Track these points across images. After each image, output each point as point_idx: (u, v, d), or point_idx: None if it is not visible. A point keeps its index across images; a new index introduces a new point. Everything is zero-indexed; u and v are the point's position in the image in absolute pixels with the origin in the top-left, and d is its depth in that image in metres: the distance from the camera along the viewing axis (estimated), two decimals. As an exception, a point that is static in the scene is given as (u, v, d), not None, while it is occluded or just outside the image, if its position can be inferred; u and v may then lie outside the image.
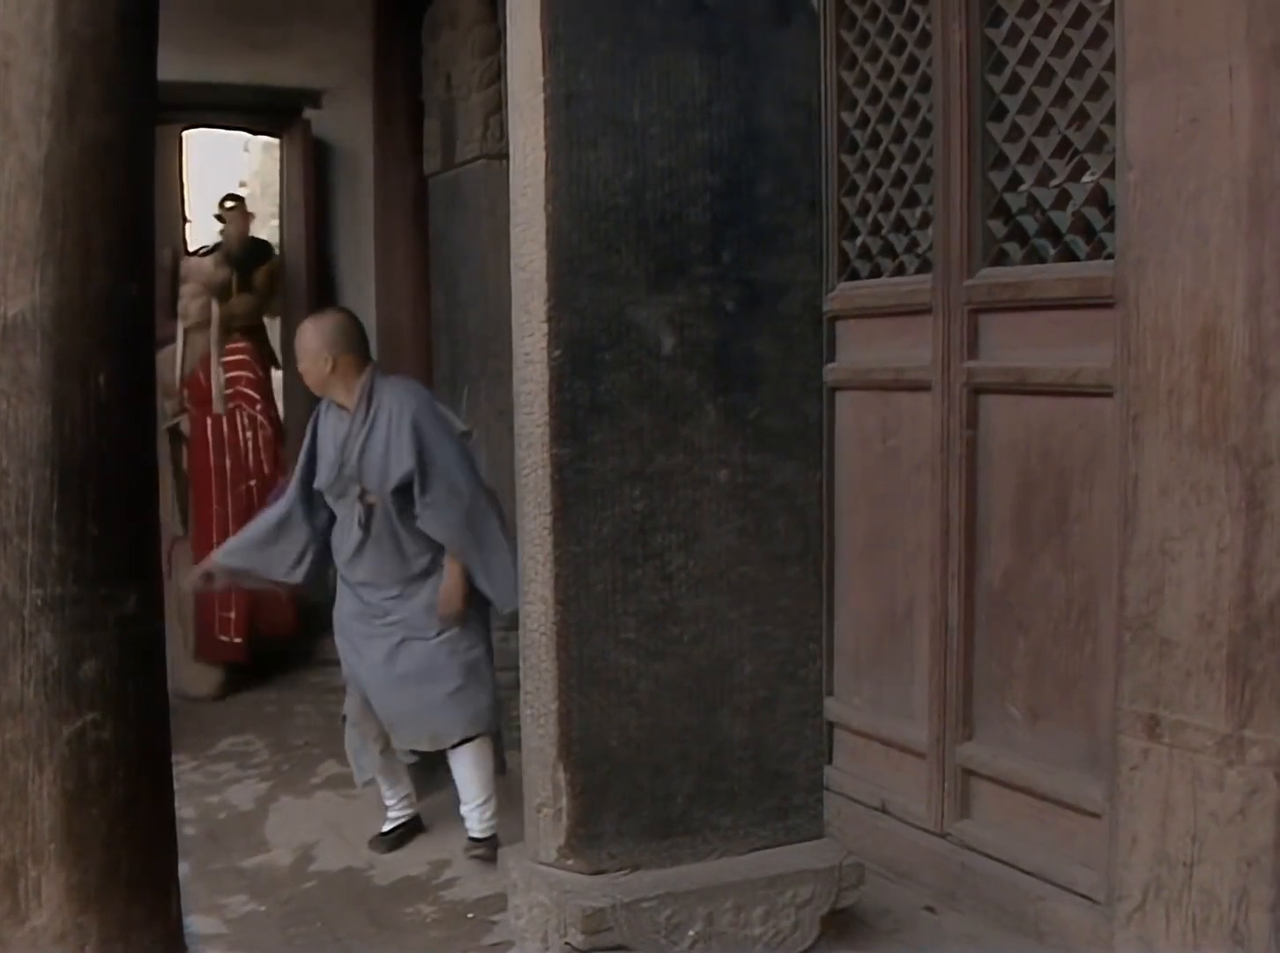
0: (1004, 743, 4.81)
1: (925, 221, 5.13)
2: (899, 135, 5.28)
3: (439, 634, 5.44)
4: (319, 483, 5.58)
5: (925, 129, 5.12)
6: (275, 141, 10.47)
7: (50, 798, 3.00)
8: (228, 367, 8.26)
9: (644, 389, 4.27)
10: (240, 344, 8.45)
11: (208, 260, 9.13)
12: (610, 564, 4.22)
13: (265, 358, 9.08)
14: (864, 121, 5.45)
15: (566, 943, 4.07)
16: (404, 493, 5.39)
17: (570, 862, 4.20)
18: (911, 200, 5.22)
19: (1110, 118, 4.29)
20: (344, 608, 5.65)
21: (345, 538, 5.56)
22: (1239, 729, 3.68)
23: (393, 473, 5.37)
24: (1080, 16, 4.49)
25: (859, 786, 5.40)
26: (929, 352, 5.02)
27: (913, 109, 5.20)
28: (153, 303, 3.24)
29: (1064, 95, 4.57)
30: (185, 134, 9.73)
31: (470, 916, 5.02)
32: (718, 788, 4.37)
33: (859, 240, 5.48)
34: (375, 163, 9.96)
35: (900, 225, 5.30)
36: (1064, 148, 4.58)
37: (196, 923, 4.56)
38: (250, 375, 8.35)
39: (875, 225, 5.42)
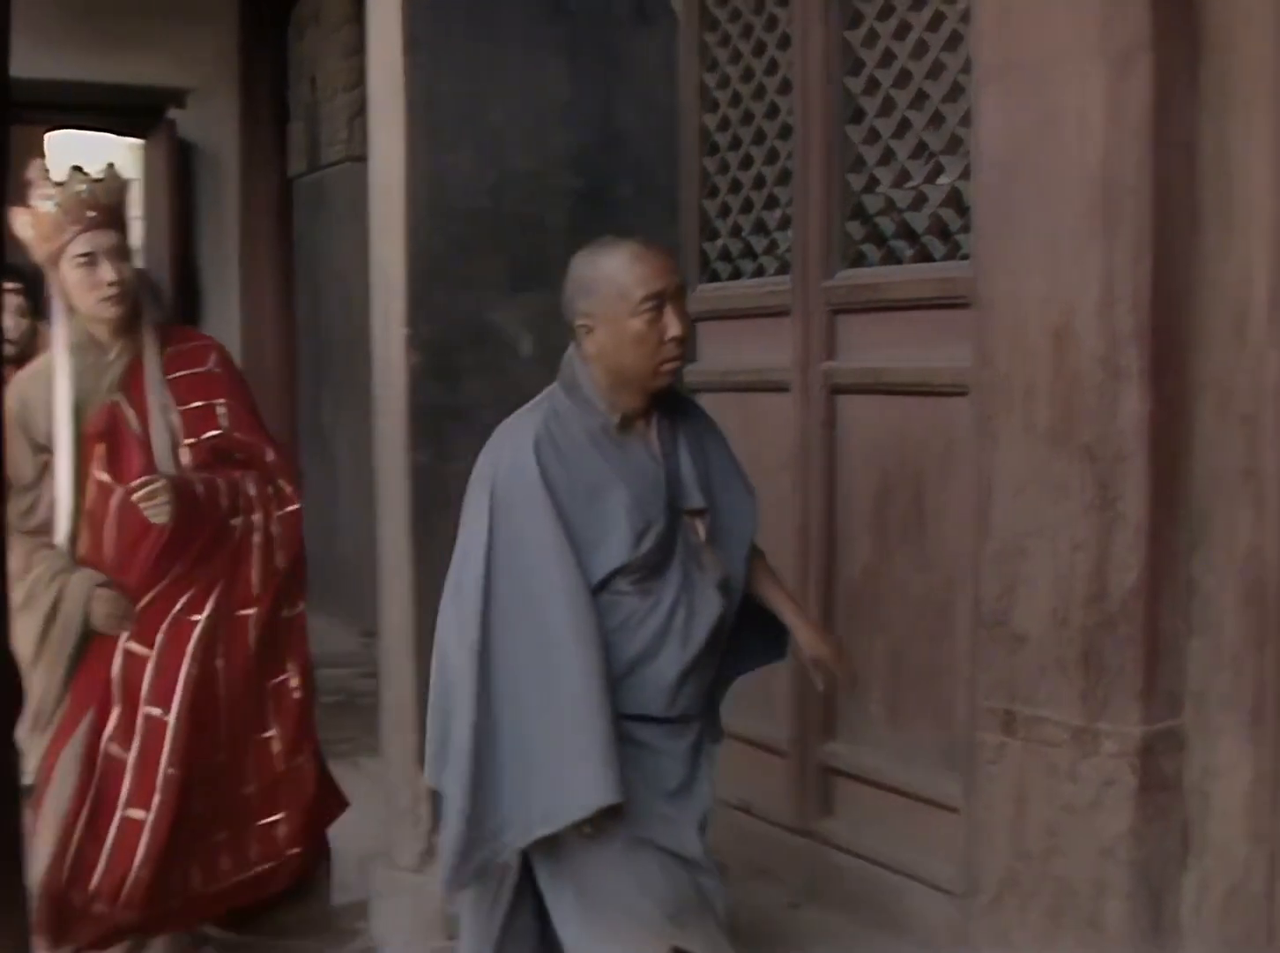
0: (864, 741, 4.84)
1: (785, 223, 5.15)
2: (759, 138, 5.30)
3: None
4: (619, 557, 3.29)
5: (785, 132, 5.14)
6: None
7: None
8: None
9: (503, 393, 4.25)
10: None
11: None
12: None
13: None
14: (725, 124, 5.46)
15: (430, 948, 4.06)
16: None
17: (432, 869, 4.18)
18: (771, 203, 5.24)
19: (966, 120, 4.33)
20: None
21: (670, 640, 3.35)
22: (1093, 723, 3.72)
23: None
24: (937, 20, 4.54)
25: (722, 786, 5.35)
26: (788, 353, 5.05)
27: (773, 112, 5.22)
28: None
29: (921, 98, 4.61)
30: (48, 136, 9.56)
31: (334, 923, 4.97)
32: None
33: (720, 242, 5.49)
34: (240, 165, 9.87)
35: (760, 227, 5.31)
36: (921, 150, 4.62)
37: None
38: None
39: (736, 227, 5.43)
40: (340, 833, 4.88)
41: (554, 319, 4.06)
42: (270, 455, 4.44)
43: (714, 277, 5.52)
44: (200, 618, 4.25)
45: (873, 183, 4.81)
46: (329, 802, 4.66)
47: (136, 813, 4.18)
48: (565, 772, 3.11)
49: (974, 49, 4.17)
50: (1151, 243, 3.63)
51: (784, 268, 5.15)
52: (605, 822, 3.15)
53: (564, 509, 3.19)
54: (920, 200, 4.62)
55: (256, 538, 4.33)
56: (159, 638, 4.23)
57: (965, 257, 4.34)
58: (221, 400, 4.40)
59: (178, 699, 4.21)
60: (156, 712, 4.22)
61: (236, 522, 4.31)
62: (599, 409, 3.33)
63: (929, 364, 4.50)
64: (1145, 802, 3.68)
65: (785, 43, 5.13)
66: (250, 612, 4.33)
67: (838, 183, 4.88)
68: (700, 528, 3.42)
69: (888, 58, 4.73)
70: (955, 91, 4.46)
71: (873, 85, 4.79)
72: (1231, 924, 3.65)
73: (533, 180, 4.38)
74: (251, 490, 4.36)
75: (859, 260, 4.87)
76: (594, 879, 3.25)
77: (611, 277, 3.28)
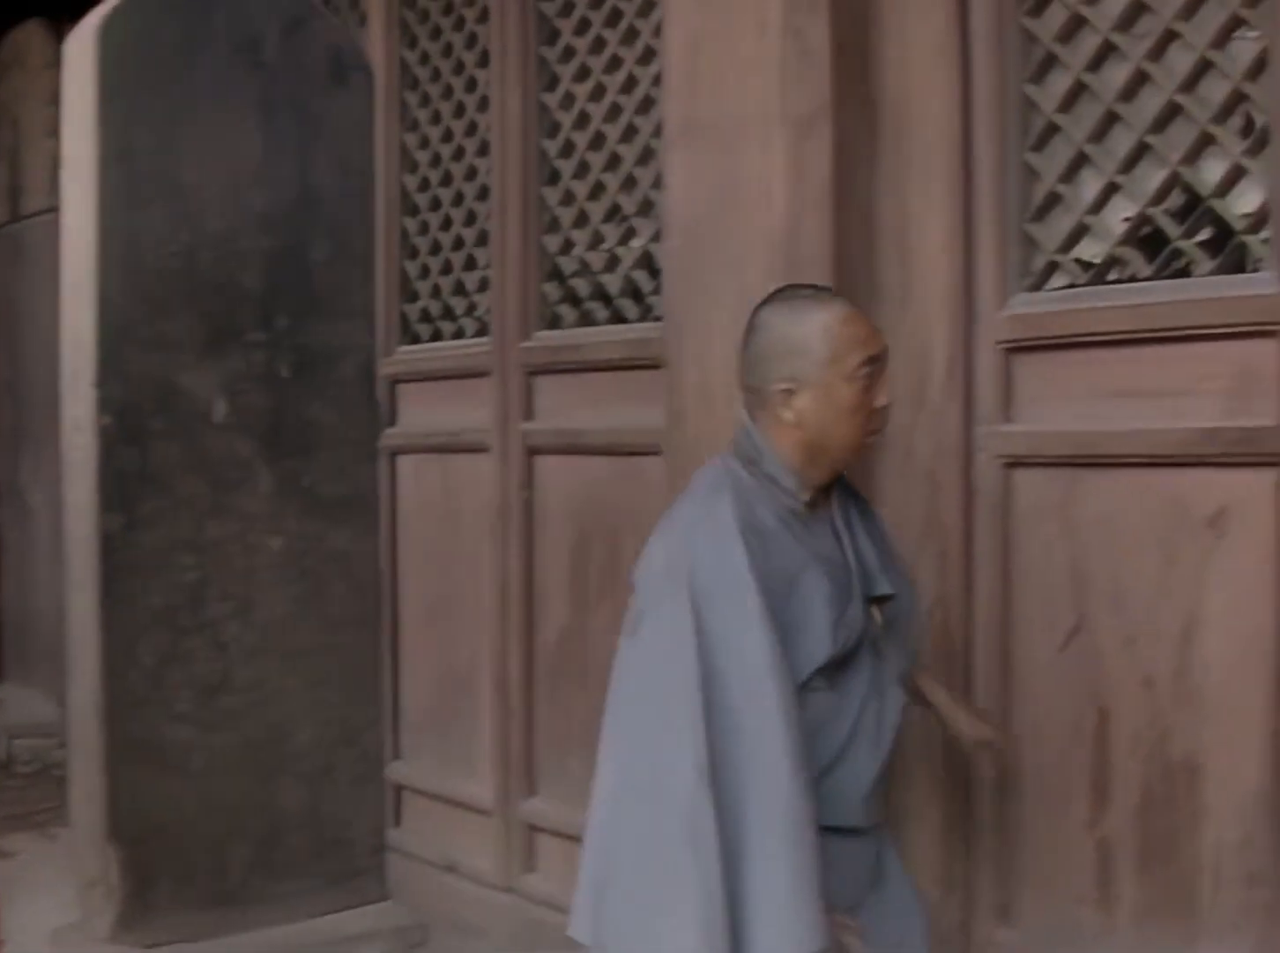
0: (567, 798, 4.83)
1: (483, 286, 5.17)
2: (458, 199, 5.32)
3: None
4: (823, 653, 2.82)
5: (484, 193, 5.17)
6: None
7: None
8: None
9: (196, 457, 4.20)
10: None
11: None
12: (161, 635, 4.13)
13: None
14: (425, 185, 5.47)
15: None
16: None
17: (125, 937, 4.08)
18: (470, 264, 5.26)
19: (658, 184, 4.39)
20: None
21: (862, 740, 2.94)
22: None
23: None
24: (630, 83, 4.62)
25: (427, 846, 5.36)
26: (488, 414, 5.06)
27: (472, 173, 5.25)
28: None
29: (615, 161, 4.68)
30: None
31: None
32: (276, 857, 4.32)
33: (420, 304, 5.49)
34: (-60, 213, 9.55)
35: (460, 289, 5.33)
36: (614, 213, 4.69)
37: None
38: None
39: (435, 289, 5.44)
40: (32, 907, 4.72)
41: (248, 382, 4.01)
42: None
43: (414, 338, 5.51)
44: None
45: (568, 245, 4.86)
46: None
47: None
48: (781, 912, 2.60)
49: (663, 112, 4.23)
50: (833, 307, 3.71)
51: (483, 329, 5.17)
52: None
53: (769, 602, 2.70)
54: (614, 262, 4.68)
55: None
56: None
57: (658, 318, 4.39)
58: None
59: None
60: None
61: None
62: (787, 487, 2.84)
63: (624, 424, 4.55)
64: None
65: (484, 105, 5.17)
66: None
67: (534, 245, 4.93)
68: (878, 616, 2.98)
69: (583, 120, 4.79)
70: (648, 155, 4.54)
71: (568, 148, 4.85)
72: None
73: (226, 240, 4.29)
74: None
75: (555, 322, 4.91)
76: None
77: (824, 336, 2.80)
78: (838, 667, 2.82)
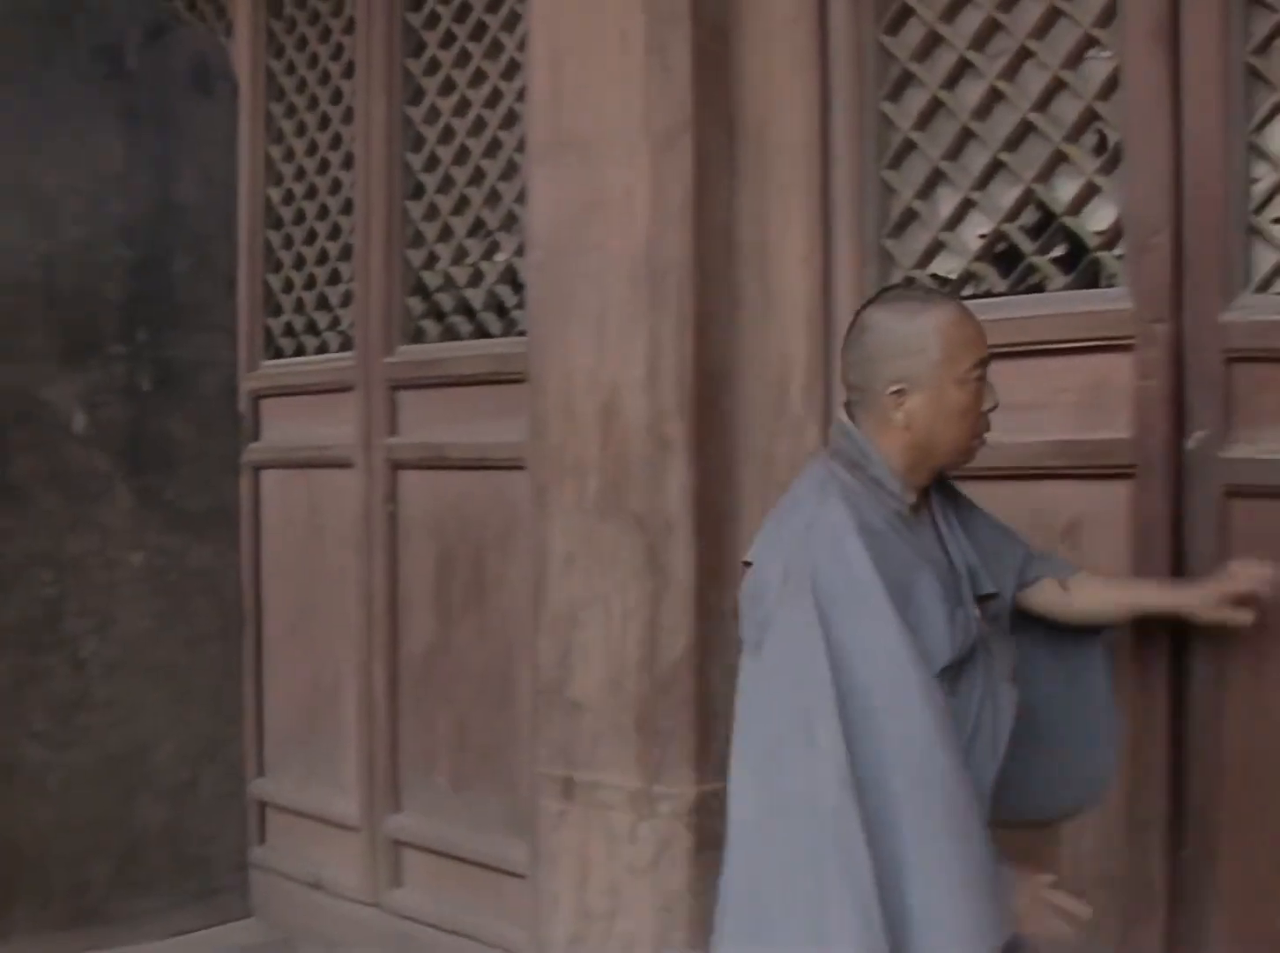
0: (432, 812, 4.82)
1: (347, 299, 5.15)
2: (323, 212, 5.29)
3: None
4: (944, 656, 2.73)
5: (349, 207, 5.14)
6: None
7: None
8: None
9: (54, 470, 4.15)
10: None
11: None
12: (16, 653, 4.06)
13: None
14: (290, 198, 5.43)
15: None
16: None
17: None
18: (334, 278, 5.24)
19: (522, 198, 4.40)
20: None
21: (980, 743, 2.84)
22: (649, 785, 3.79)
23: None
24: (495, 97, 4.62)
25: (293, 863, 5.30)
26: (352, 429, 5.03)
27: (336, 186, 5.22)
28: None
29: (479, 175, 4.68)
30: None
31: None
32: (137, 875, 4.28)
33: (284, 318, 5.45)
34: None
35: (324, 303, 5.30)
36: (478, 227, 4.69)
37: None
38: None
39: (299, 303, 5.41)
40: None
41: (109, 395, 3.97)
42: None
43: (278, 353, 5.47)
44: None
45: (432, 259, 4.85)
46: None
47: None
48: (954, 914, 2.51)
49: (527, 127, 4.25)
50: (694, 321, 3.75)
51: (347, 344, 5.14)
52: None
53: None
54: (478, 277, 4.68)
55: None
56: None
57: (521, 333, 4.40)
58: None
59: None
60: None
61: None
62: (892, 490, 2.75)
63: (488, 439, 4.54)
64: (702, 859, 3.75)
65: (350, 117, 5.14)
66: None
67: (398, 259, 4.91)
68: (982, 614, 2.87)
69: (448, 134, 4.78)
70: (511, 169, 4.55)
71: (433, 161, 4.84)
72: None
73: (87, 250, 4.25)
74: None
75: (419, 336, 4.89)
76: None
77: (937, 337, 2.70)
78: (955, 670, 2.72)
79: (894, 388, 2.68)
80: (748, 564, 2.75)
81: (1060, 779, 2.99)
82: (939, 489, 2.87)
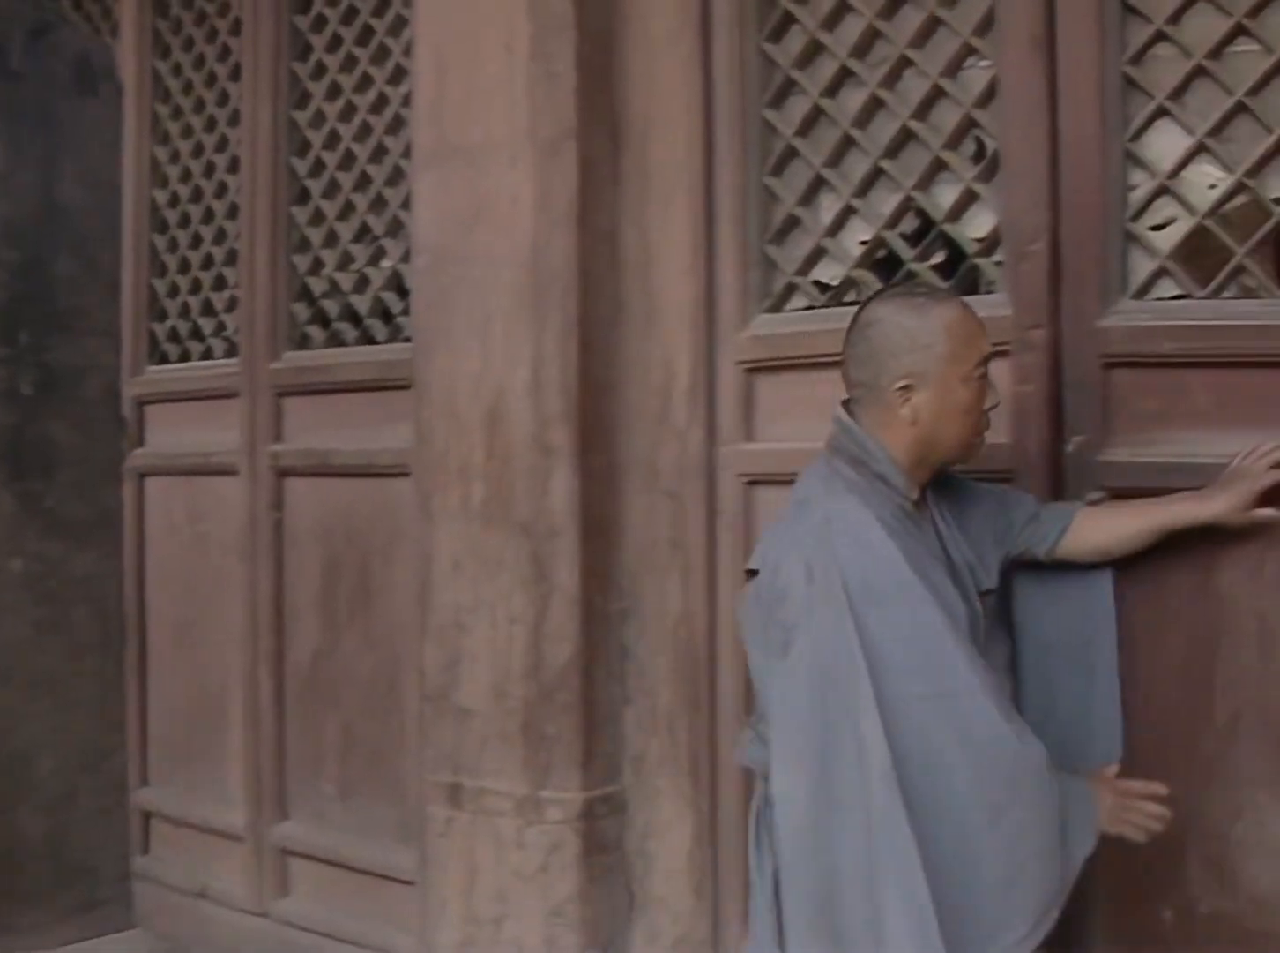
0: (319, 820, 4.79)
1: (232, 305, 5.10)
2: (208, 216, 5.24)
3: None
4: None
5: (234, 211, 5.10)
6: None
7: None
8: None
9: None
10: None
11: None
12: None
13: None
14: (175, 201, 5.37)
15: None
16: None
17: None
18: (219, 283, 5.19)
19: (407, 204, 4.38)
20: None
21: None
22: (537, 791, 3.80)
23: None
24: (381, 103, 4.61)
25: (178, 873, 5.25)
26: (237, 436, 4.99)
27: (222, 190, 5.17)
28: None
29: (365, 181, 4.67)
30: None
31: None
32: (17, 887, 4.23)
33: (168, 323, 5.39)
34: None
35: (208, 308, 5.25)
36: (364, 233, 4.67)
37: None
38: None
39: (184, 308, 5.35)
40: None
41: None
42: None
43: (162, 358, 5.41)
44: None
45: (318, 265, 4.82)
46: None
47: None
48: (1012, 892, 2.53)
49: (412, 133, 4.23)
50: (578, 328, 3.77)
51: (232, 350, 5.09)
52: None
53: None
54: (364, 283, 4.67)
55: None
56: None
57: (407, 339, 4.38)
58: None
59: None
60: None
61: None
62: (896, 486, 2.73)
63: (373, 445, 4.52)
64: (590, 864, 3.79)
65: (236, 119, 5.10)
66: None
67: (283, 264, 4.88)
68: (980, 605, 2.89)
69: (333, 139, 4.76)
70: (397, 175, 4.54)
71: (318, 166, 4.81)
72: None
73: (-36, 253, 4.20)
74: None
75: (305, 343, 4.86)
76: None
77: (944, 333, 2.69)
78: None
79: (901, 383, 2.68)
80: (753, 572, 2.71)
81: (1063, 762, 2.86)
82: (933, 487, 2.86)
